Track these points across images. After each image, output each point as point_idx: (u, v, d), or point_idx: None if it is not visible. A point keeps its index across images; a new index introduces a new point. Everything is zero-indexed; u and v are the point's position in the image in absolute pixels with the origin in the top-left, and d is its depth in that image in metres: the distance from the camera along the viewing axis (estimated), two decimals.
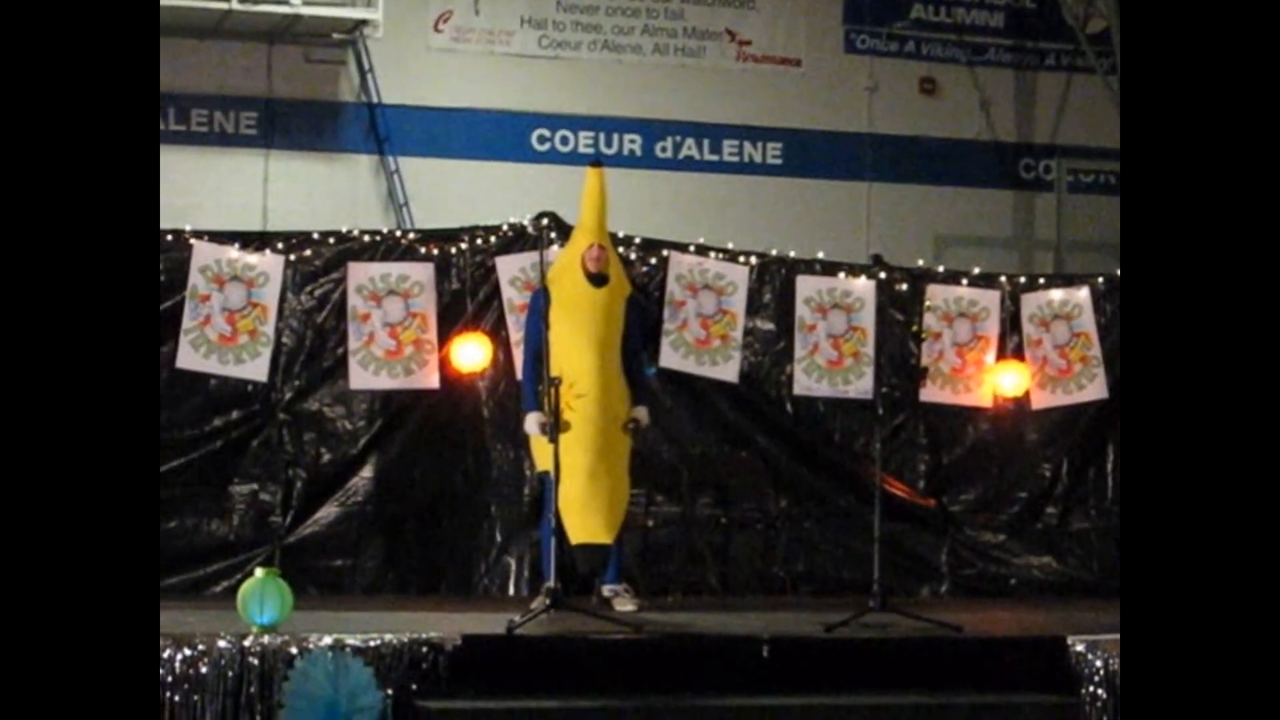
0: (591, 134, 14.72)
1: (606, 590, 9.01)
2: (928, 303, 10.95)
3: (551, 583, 8.22)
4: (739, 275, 10.80)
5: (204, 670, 6.87)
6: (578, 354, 8.70)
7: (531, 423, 8.80)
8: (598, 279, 8.91)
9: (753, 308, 10.82)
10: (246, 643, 7.00)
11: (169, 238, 9.97)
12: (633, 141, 14.86)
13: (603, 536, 8.67)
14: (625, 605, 8.87)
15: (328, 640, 7.06)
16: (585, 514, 8.58)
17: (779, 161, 15.24)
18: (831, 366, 10.85)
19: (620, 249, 10.10)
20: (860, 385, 10.77)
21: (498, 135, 14.49)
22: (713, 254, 10.84)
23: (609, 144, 14.73)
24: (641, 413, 9.02)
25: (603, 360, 8.81)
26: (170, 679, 6.80)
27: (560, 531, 8.45)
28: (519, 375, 10.11)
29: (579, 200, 9.10)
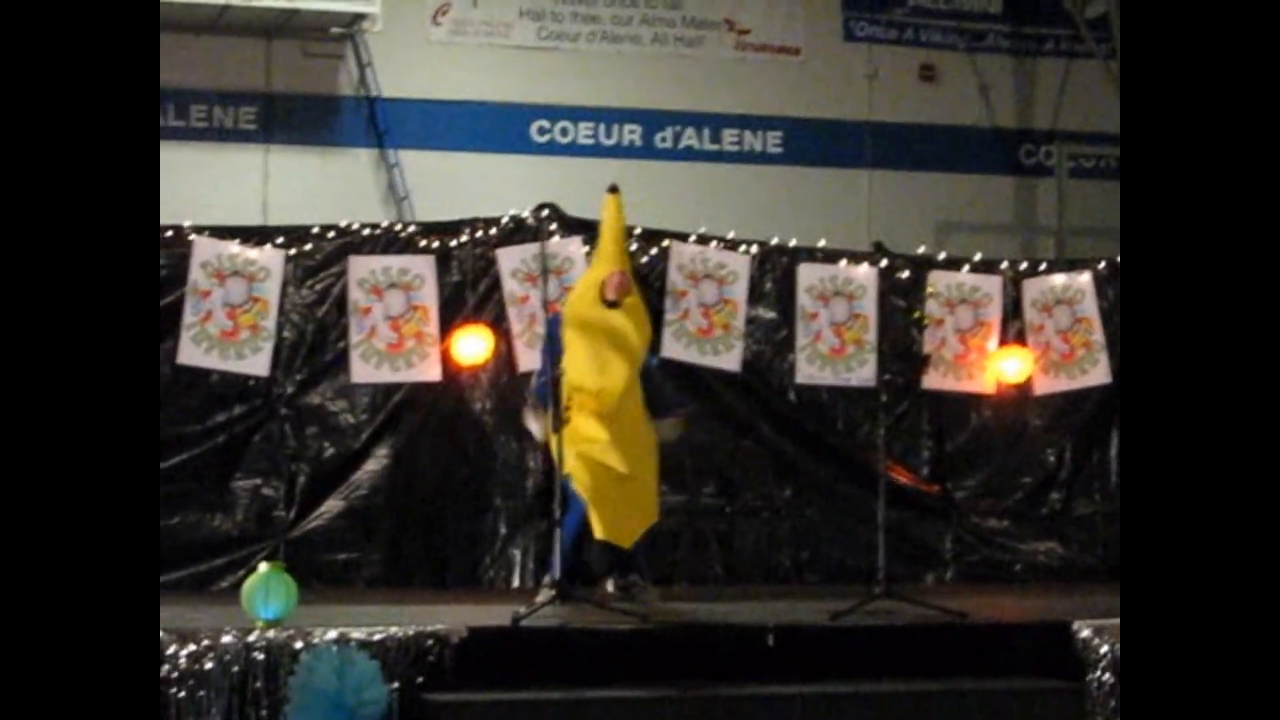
0: (591, 125, 14.67)
1: (617, 583, 8.96)
2: (929, 289, 10.94)
3: (557, 575, 8.22)
4: (740, 264, 10.79)
5: (209, 666, 6.87)
6: (604, 368, 8.67)
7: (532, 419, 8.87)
8: (615, 304, 8.85)
9: (754, 296, 10.81)
10: (252, 638, 7.00)
11: (169, 234, 9.97)
12: (632, 132, 14.81)
13: (623, 541, 8.66)
14: (640, 594, 8.81)
15: (333, 634, 7.06)
16: (615, 513, 8.55)
17: (779, 150, 15.20)
18: (834, 354, 10.83)
19: None
20: (863, 373, 10.75)
21: (497, 127, 14.44)
22: (714, 243, 10.83)
23: (609, 134, 14.69)
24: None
25: (629, 373, 8.78)
26: (176, 675, 6.80)
27: (578, 536, 8.43)
28: (520, 368, 10.14)
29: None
